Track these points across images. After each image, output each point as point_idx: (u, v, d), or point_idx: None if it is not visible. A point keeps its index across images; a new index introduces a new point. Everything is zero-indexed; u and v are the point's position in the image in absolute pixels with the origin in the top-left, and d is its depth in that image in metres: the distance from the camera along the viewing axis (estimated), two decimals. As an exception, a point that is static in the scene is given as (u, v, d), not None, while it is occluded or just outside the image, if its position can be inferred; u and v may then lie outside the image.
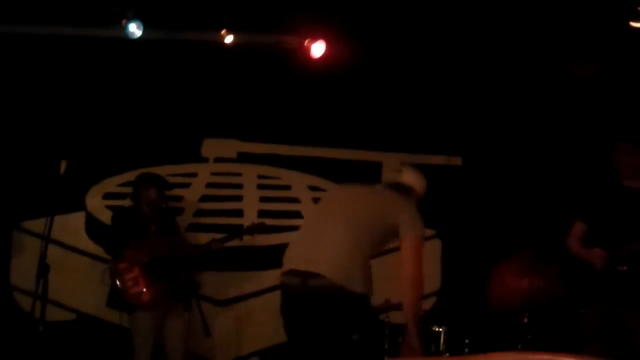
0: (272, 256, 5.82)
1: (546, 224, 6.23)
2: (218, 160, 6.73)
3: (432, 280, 6.80)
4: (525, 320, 5.48)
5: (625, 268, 4.81)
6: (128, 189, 6.35)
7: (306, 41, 6.37)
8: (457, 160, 7.02)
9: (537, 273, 5.94)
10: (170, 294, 5.59)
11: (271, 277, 6.29)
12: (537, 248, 6.07)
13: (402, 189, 4.45)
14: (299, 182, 6.77)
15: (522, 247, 6.14)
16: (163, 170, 6.39)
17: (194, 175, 6.67)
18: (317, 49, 6.35)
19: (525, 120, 6.86)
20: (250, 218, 6.66)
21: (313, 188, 6.76)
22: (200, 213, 6.66)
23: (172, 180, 6.35)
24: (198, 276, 6.00)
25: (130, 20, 5.99)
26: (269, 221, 6.49)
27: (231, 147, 6.74)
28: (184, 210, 6.61)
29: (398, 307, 5.65)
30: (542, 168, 6.76)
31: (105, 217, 6.42)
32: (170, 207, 6.06)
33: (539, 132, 6.82)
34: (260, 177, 6.80)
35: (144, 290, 5.56)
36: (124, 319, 5.93)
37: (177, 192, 6.48)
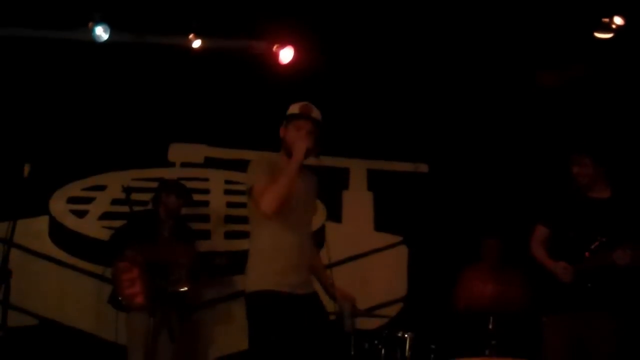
0: (236, 262, 5.75)
1: (511, 231, 6.15)
2: (185, 165, 6.64)
3: (399, 286, 6.83)
4: (491, 326, 5.47)
5: (589, 285, 4.84)
6: (93, 193, 6.30)
7: (274, 47, 6.35)
8: (424, 167, 7.01)
9: (501, 279, 6.05)
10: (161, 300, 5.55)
11: (235, 283, 6.28)
12: (502, 254, 6.16)
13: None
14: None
15: (487, 252, 6.20)
16: (129, 175, 6.39)
17: (161, 180, 6.40)
18: (286, 54, 6.34)
19: (491, 128, 6.85)
20: (216, 223, 6.59)
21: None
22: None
23: (137, 185, 6.25)
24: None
25: (96, 23, 5.93)
26: (236, 227, 6.42)
27: (198, 151, 6.66)
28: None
29: (365, 313, 5.65)
30: (507, 175, 6.75)
31: (69, 221, 6.34)
32: (185, 215, 6.04)
33: (505, 139, 6.81)
34: (227, 182, 6.70)
35: (139, 292, 5.53)
36: (86, 324, 5.88)
37: (143, 197, 6.21)
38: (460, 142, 6.87)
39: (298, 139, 4.10)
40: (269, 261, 4.10)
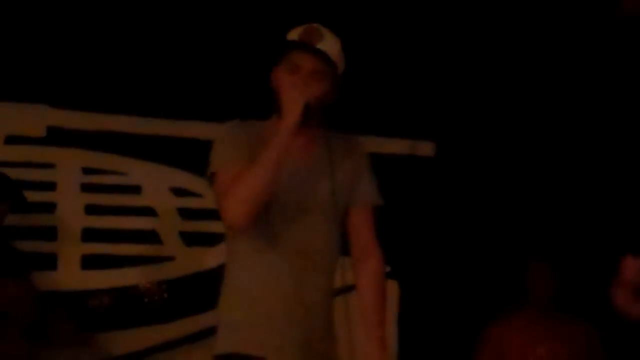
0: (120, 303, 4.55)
1: (566, 248, 5.03)
2: (12, 140, 5.13)
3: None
4: None
5: None
6: None
7: None
8: (426, 148, 5.60)
9: (562, 334, 4.98)
10: None
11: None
12: (557, 291, 4.96)
13: None
14: (155, 182, 5.25)
15: (536, 285, 4.95)
16: None
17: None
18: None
19: (539, 83, 5.25)
20: (68, 242, 5.07)
21: (179, 191, 5.32)
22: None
23: None
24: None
25: None
26: (105, 248, 5.09)
27: (36, 117, 5.16)
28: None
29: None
30: (566, 158, 5.28)
31: None
32: (13, 228, 4.74)
33: (564, 100, 5.24)
34: (86, 171, 5.17)
35: None
36: None
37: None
38: (489, 105, 5.30)
39: (290, 87, 3.02)
40: (241, 306, 3.12)
